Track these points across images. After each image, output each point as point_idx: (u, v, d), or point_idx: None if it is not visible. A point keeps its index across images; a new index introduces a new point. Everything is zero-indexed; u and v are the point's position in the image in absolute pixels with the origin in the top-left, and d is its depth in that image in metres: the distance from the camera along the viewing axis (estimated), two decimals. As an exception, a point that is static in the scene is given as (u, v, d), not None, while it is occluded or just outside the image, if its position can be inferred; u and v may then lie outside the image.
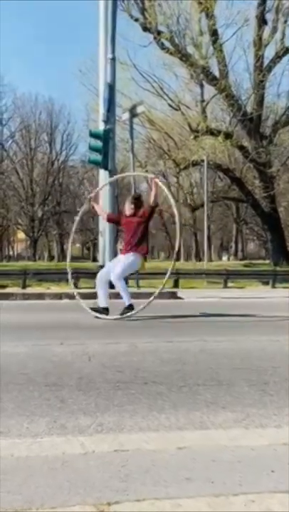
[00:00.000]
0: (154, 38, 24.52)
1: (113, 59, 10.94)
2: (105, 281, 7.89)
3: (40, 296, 12.00)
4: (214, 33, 24.15)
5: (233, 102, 24.87)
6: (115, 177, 9.62)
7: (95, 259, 42.42)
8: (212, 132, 24.85)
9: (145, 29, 24.46)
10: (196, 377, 3.88)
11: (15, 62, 74.34)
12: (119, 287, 7.74)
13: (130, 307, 7.58)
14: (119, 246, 11.03)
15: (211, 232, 47.09)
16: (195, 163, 26.69)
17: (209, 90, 25.41)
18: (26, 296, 11.96)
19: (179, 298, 12.19)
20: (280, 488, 2.02)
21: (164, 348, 5.15)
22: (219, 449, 2.47)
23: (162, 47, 24.71)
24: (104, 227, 11.69)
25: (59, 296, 11.71)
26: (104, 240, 12.19)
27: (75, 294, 8.41)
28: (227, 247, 58.20)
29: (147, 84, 25.67)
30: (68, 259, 9.46)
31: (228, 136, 24.79)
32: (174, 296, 12.32)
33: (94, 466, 2.25)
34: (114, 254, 11.37)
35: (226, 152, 27.01)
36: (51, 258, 54.54)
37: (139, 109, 12.54)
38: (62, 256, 54.46)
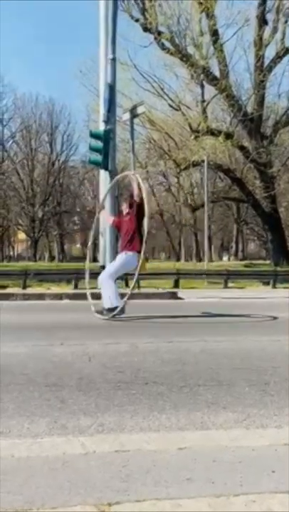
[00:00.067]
0: (155, 39, 24.51)
1: (114, 59, 10.92)
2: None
3: (40, 296, 12.01)
4: (215, 33, 24.15)
5: (233, 102, 24.87)
6: (115, 178, 9.61)
7: (95, 260, 42.42)
8: (213, 132, 24.84)
9: (146, 29, 24.46)
10: (196, 377, 3.88)
11: (15, 62, 74.35)
12: (107, 286, 7.68)
13: (115, 309, 7.52)
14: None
15: (212, 233, 47.09)
16: (195, 164, 26.68)
17: (210, 90, 25.40)
18: (27, 297, 11.97)
19: (180, 298, 12.20)
20: (280, 489, 2.02)
21: (165, 348, 5.15)
22: (220, 449, 2.47)
23: (163, 47, 24.71)
24: (104, 227, 11.67)
25: (59, 296, 11.72)
26: (104, 241, 12.17)
27: (88, 294, 8.31)
28: (227, 248, 58.17)
29: (148, 85, 25.69)
30: (87, 261, 9.40)
31: (228, 136, 24.78)
32: (174, 296, 12.32)
33: (95, 466, 2.25)
34: (115, 254, 11.36)
35: (227, 152, 27.00)
36: (52, 258, 54.50)
37: (140, 110, 12.52)
38: (63, 256, 54.50)
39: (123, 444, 2.51)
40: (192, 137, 24.93)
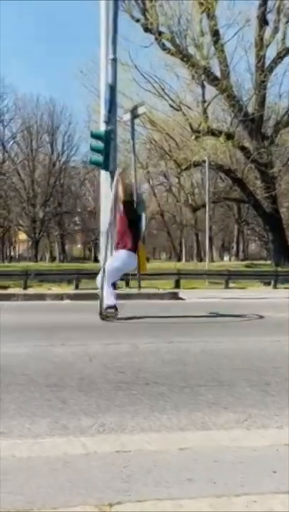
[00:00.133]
0: (156, 39, 24.50)
1: (114, 60, 10.92)
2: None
3: (41, 296, 12.00)
4: (215, 34, 24.14)
5: (234, 103, 24.86)
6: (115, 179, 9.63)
7: (96, 260, 42.48)
8: (213, 133, 24.83)
9: (146, 30, 24.45)
10: (197, 377, 3.88)
11: (15, 63, 74.44)
12: (105, 287, 7.69)
13: (114, 307, 7.56)
14: None
15: (213, 233, 47.06)
16: (196, 164, 26.67)
17: (210, 91, 25.40)
18: (27, 297, 11.97)
19: (181, 298, 12.19)
20: (281, 489, 2.01)
21: (165, 348, 5.15)
22: (221, 449, 2.46)
23: (163, 47, 24.70)
24: (105, 227, 11.65)
25: (60, 296, 11.72)
26: (105, 241, 12.14)
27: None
28: (228, 248, 58.19)
29: (148, 85, 25.67)
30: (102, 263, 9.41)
31: (229, 136, 24.78)
32: (175, 296, 12.31)
33: (95, 466, 2.25)
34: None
35: (228, 153, 26.99)
36: (53, 259, 54.55)
37: (141, 110, 12.50)
38: (64, 257, 54.54)
39: (124, 444, 2.51)
40: (193, 137, 24.92)
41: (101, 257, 10.38)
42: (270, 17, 24.75)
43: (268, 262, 31.59)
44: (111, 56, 10.80)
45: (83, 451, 2.42)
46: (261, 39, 24.51)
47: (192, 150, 25.60)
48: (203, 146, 25.27)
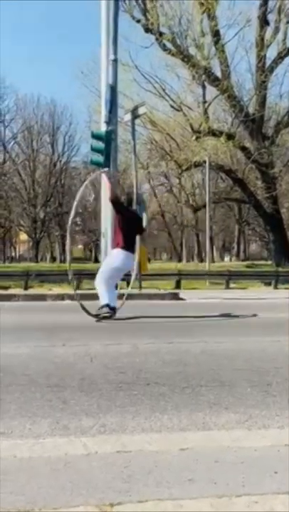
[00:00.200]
0: (156, 39, 24.50)
1: (115, 60, 10.94)
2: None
3: (42, 297, 12.01)
4: (216, 34, 24.14)
5: (235, 103, 24.85)
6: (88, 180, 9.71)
7: (97, 260, 42.48)
8: (214, 133, 24.82)
9: (147, 30, 24.45)
10: (198, 378, 3.88)
11: (15, 63, 74.44)
12: (102, 286, 7.70)
13: (107, 306, 7.57)
14: None
15: (213, 233, 47.05)
16: (197, 164, 26.67)
17: (211, 91, 25.39)
18: (28, 298, 11.97)
19: (181, 299, 12.18)
20: (283, 489, 2.01)
21: (166, 349, 5.15)
22: (222, 450, 2.46)
23: (164, 48, 24.70)
24: (106, 228, 11.68)
25: (61, 297, 11.71)
26: (106, 241, 12.18)
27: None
28: (229, 248, 58.16)
29: (149, 86, 25.67)
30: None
31: (230, 137, 24.76)
32: (176, 297, 12.31)
33: (96, 467, 2.25)
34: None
35: (228, 153, 26.99)
36: (53, 259, 54.55)
37: (141, 111, 12.52)
38: (64, 257, 54.50)
39: (125, 444, 2.51)
40: (194, 138, 24.91)
41: (102, 257, 10.41)
42: (271, 17, 24.75)
43: (269, 262, 31.58)
44: (112, 56, 10.82)
45: (84, 452, 2.42)
46: (262, 39, 24.50)
47: (193, 150, 25.59)
48: (204, 146, 25.27)
